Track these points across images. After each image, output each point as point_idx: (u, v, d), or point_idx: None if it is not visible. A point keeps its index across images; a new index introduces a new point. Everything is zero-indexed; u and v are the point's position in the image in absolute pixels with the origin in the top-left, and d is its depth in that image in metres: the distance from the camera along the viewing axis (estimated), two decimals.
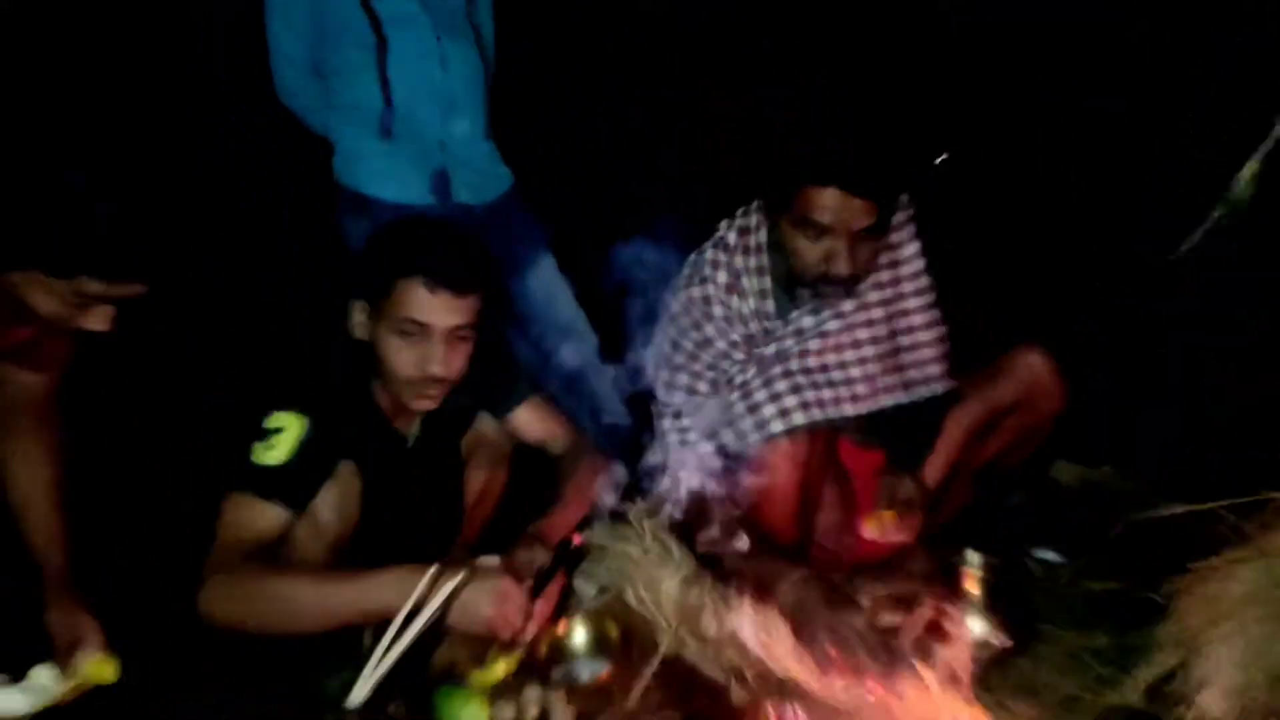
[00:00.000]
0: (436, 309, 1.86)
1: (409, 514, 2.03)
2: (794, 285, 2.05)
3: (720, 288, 2.07)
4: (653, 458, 2.18)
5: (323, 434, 1.85)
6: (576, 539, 1.96)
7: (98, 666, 1.80)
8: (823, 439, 2.05)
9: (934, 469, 2.16)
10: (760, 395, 1.98)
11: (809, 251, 1.92)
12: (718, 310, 2.08)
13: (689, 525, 2.06)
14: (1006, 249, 2.91)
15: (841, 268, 1.92)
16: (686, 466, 2.06)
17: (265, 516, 1.79)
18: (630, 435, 2.94)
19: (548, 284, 2.81)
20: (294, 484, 1.82)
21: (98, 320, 1.51)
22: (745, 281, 2.06)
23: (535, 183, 2.86)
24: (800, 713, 1.49)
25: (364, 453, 1.95)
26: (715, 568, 2.01)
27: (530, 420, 2.25)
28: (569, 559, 1.87)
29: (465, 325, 1.91)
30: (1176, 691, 1.42)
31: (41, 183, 1.36)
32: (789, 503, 2.04)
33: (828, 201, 1.85)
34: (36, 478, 1.88)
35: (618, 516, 2.34)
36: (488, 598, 1.73)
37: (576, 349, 2.85)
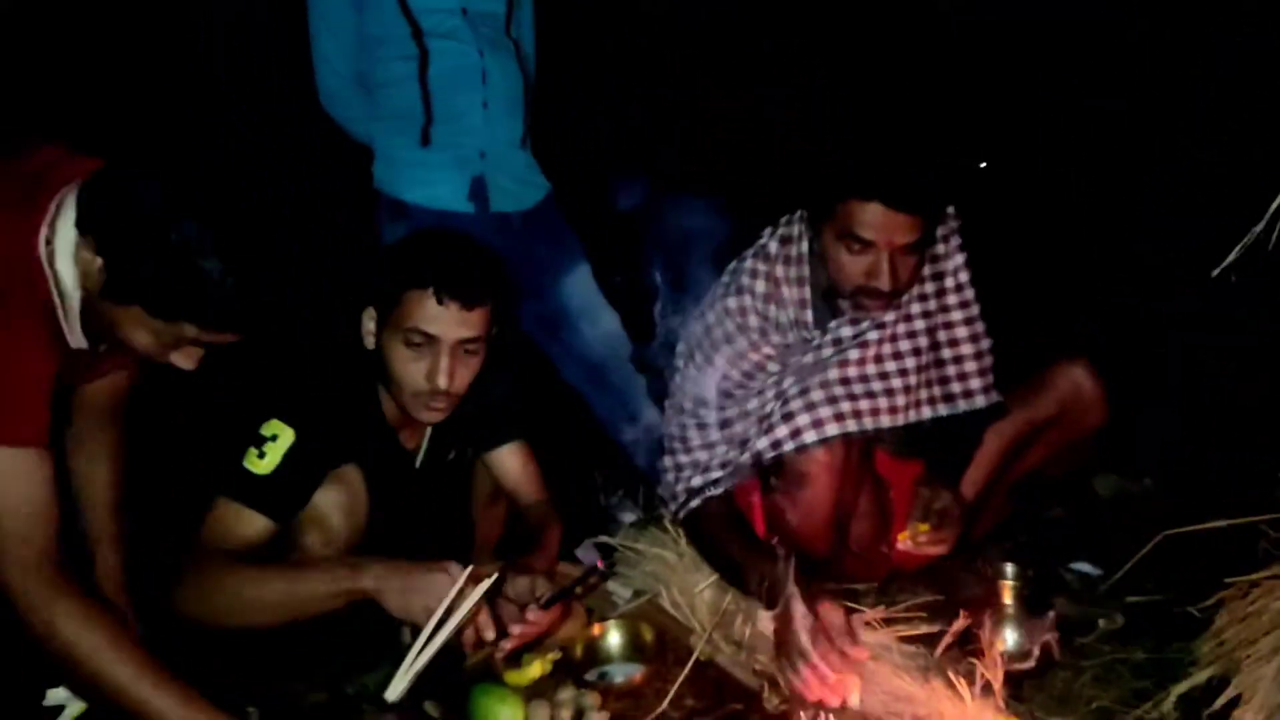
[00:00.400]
0: (444, 320, 1.84)
1: (416, 528, 2.03)
2: (833, 296, 2.05)
3: (759, 297, 2.08)
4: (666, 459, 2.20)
5: (319, 443, 1.85)
6: (599, 563, 1.96)
7: None
8: (859, 448, 2.04)
9: (972, 482, 2.15)
10: (796, 404, 1.98)
11: (851, 265, 1.93)
12: (754, 321, 2.08)
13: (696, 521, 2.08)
14: (1051, 261, 2.90)
15: (883, 283, 1.91)
16: (701, 469, 2.08)
17: (249, 524, 1.78)
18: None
19: (584, 291, 2.84)
20: (280, 495, 1.82)
21: (187, 360, 1.53)
22: (785, 291, 2.07)
23: (571, 193, 2.89)
24: (832, 719, 1.50)
25: (369, 461, 1.95)
26: None
27: (513, 463, 2.21)
28: (588, 584, 1.86)
29: (474, 339, 1.88)
30: (1212, 708, 1.41)
31: (155, 228, 1.37)
32: (823, 513, 2.04)
33: (871, 217, 1.84)
34: (101, 477, 1.93)
35: (653, 521, 2.37)
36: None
37: (614, 356, 2.87)
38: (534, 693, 1.89)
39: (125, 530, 1.96)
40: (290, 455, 1.81)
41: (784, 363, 2.07)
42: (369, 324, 1.93)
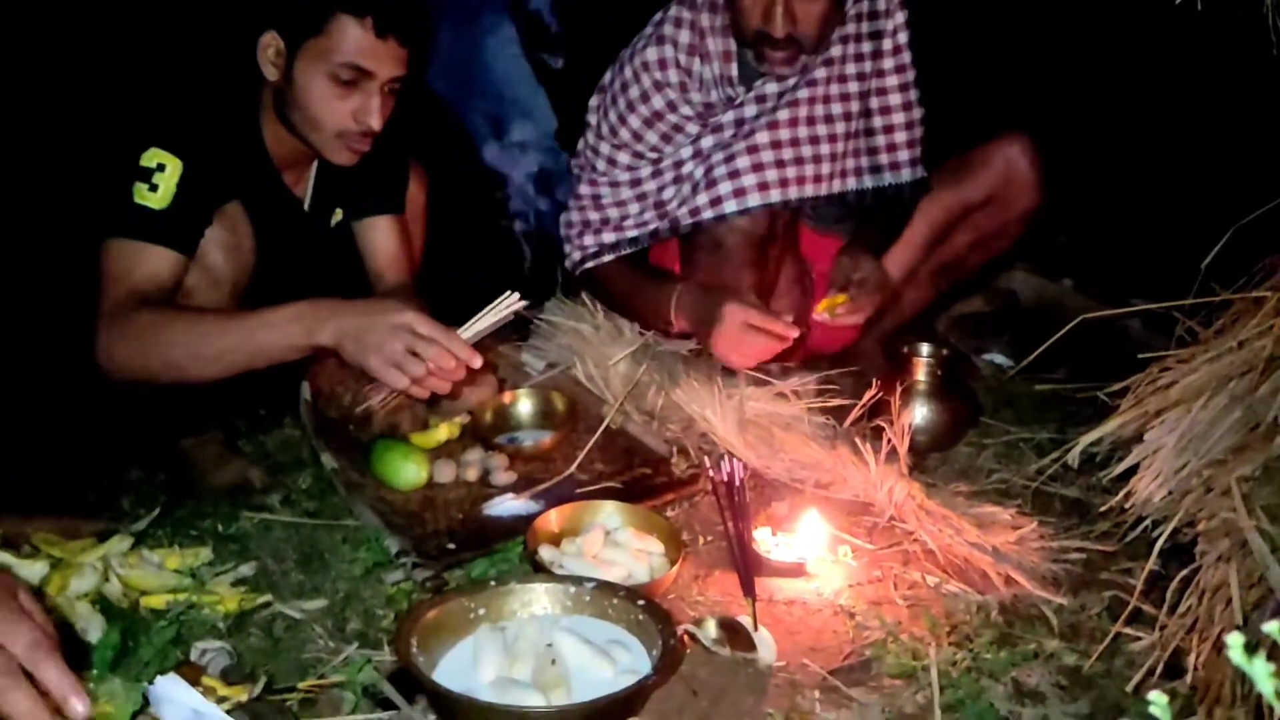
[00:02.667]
0: (382, 56, 1.67)
1: (311, 278, 1.87)
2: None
3: (681, 48, 1.91)
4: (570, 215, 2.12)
5: (205, 174, 1.68)
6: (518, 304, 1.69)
7: None
8: (783, 221, 1.97)
9: (897, 263, 2.10)
10: (719, 170, 1.88)
11: (749, 6, 1.78)
12: (674, 76, 1.92)
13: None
14: (994, 32, 2.78)
15: (775, 27, 1.76)
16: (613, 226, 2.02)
17: (154, 260, 1.63)
18: None
19: (505, 51, 2.65)
20: (179, 225, 1.66)
21: None
22: (710, 42, 1.91)
23: None
24: (740, 464, 1.49)
25: (252, 198, 1.79)
26: None
27: (385, 239, 2.02)
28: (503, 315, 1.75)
29: (400, 79, 1.72)
30: (1111, 480, 1.42)
31: None
32: (742, 287, 1.98)
33: None
34: None
35: (571, 294, 2.30)
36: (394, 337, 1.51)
37: (534, 127, 2.73)
38: (441, 454, 1.86)
39: None
40: (182, 184, 1.65)
41: (704, 123, 1.94)
42: (271, 51, 1.71)
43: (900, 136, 1.97)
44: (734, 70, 1.93)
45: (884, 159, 1.98)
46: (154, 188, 1.64)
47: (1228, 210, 1.44)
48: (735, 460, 1.49)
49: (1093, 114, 2.95)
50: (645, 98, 1.94)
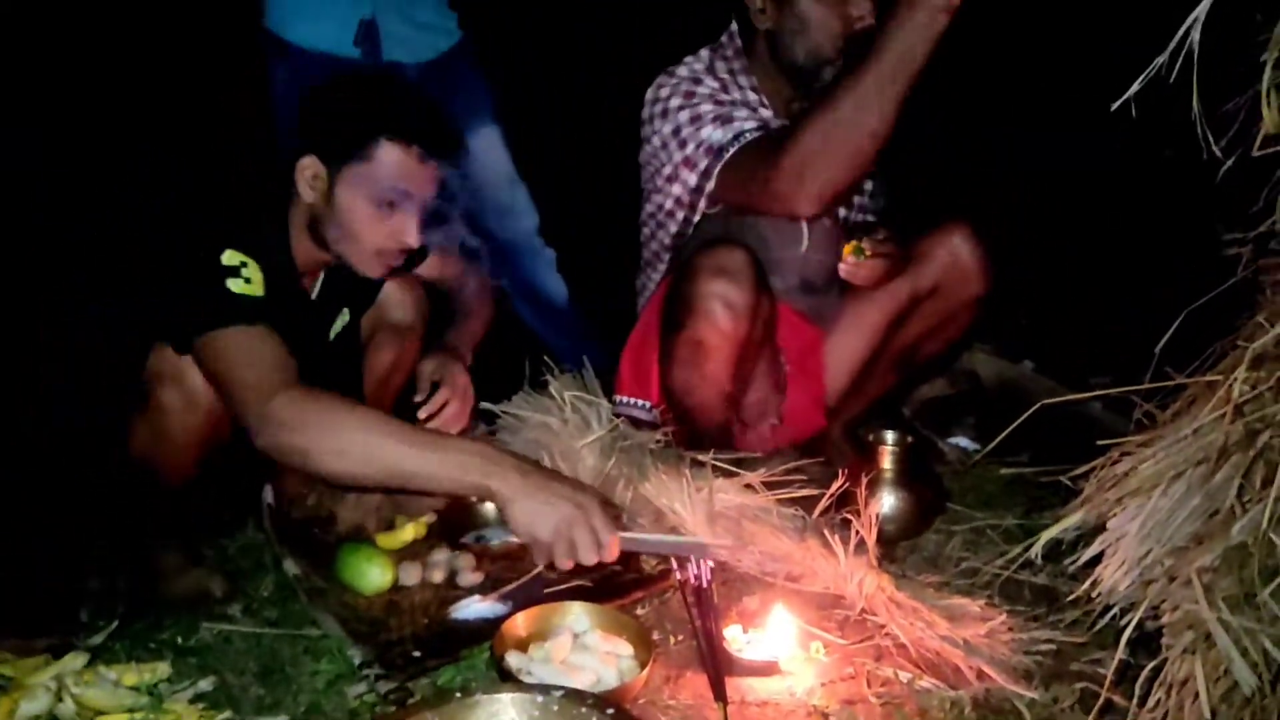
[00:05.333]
0: (423, 179, 1.72)
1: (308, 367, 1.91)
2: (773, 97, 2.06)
3: (713, 91, 2.03)
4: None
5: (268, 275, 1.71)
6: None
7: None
8: (764, 319, 1.99)
9: (853, 353, 2.15)
10: None
11: (828, 18, 1.96)
12: (724, 98, 2.04)
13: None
14: (942, 119, 2.87)
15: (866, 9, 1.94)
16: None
17: (273, 342, 1.60)
18: (567, 314, 2.87)
19: (488, 155, 2.67)
20: (273, 313, 1.66)
21: None
22: (734, 92, 2.05)
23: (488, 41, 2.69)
24: (708, 569, 1.48)
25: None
26: None
27: (430, 263, 2.13)
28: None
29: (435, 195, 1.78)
30: (1077, 559, 1.43)
31: None
32: (720, 386, 2.00)
33: None
34: None
35: (539, 388, 2.30)
36: None
37: (514, 226, 2.75)
38: (407, 555, 1.83)
39: None
40: (267, 279, 1.67)
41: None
42: (309, 174, 1.73)
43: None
44: (764, 115, 2.04)
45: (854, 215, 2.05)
46: (248, 280, 1.65)
47: (1182, 291, 1.47)
48: (703, 561, 1.48)
49: (1049, 199, 3.04)
50: (704, 84, 2.05)
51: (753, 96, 2.07)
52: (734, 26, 2.13)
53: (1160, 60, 1.01)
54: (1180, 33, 1.00)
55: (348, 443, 1.50)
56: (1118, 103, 1.08)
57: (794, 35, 2.01)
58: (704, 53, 2.10)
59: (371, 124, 1.70)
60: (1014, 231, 2.30)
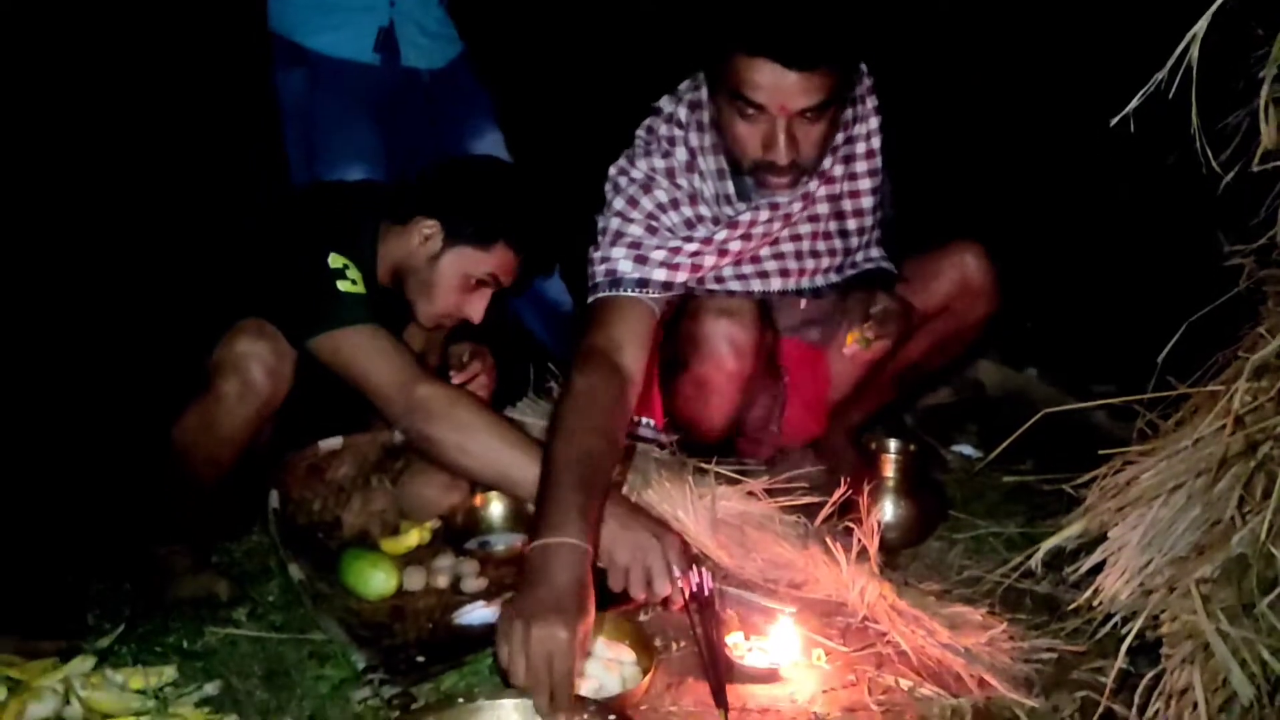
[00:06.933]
0: (512, 273, 1.99)
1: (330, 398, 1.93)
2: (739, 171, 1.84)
3: (681, 166, 1.87)
4: None
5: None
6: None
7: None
8: (769, 347, 1.99)
9: (858, 368, 2.15)
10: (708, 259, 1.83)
11: (746, 134, 1.70)
12: (682, 183, 1.86)
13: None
14: (951, 136, 2.88)
15: (779, 155, 1.69)
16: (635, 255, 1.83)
17: (391, 338, 1.78)
18: (572, 322, 2.89)
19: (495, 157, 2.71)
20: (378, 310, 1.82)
21: None
22: (702, 161, 1.86)
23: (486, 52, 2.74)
24: (711, 580, 1.48)
25: None
26: None
27: None
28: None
29: None
30: (1077, 569, 1.44)
31: None
32: (724, 416, 2.00)
33: (761, 77, 1.61)
34: None
35: (543, 395, 2.32)
36: None
37: None
38: (411, 561, 1.84)
39: None
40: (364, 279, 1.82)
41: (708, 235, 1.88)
42: (424, 234, 1.91)
43: (871, 234, 1.97)
44: (731, 189, 1.87)
45: (859, 256, 1.98)
46: (353, 281, 1.79)
47: (1185, 302, 1.47)
48: (704, 570, 1.48)
49: (1056, 206, 3.04)
50: (660, 188, 1.86)
51: (725, 165, 1.87)
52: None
53: (1159, 76, 1.02)
54: (1180, 49, 1.01)
55: (473, 443, 1.70)
56: (1116, 118, 1.08)
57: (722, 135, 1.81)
58: (682, 112, 1.88)
59: (502, 225, 1.91)
60: (1019, 240, 2.29)
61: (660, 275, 1.79)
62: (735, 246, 1.83)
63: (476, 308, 1.96)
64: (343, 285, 1.77)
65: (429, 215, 1.90)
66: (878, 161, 1.91)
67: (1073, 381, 2.52)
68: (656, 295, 1.78)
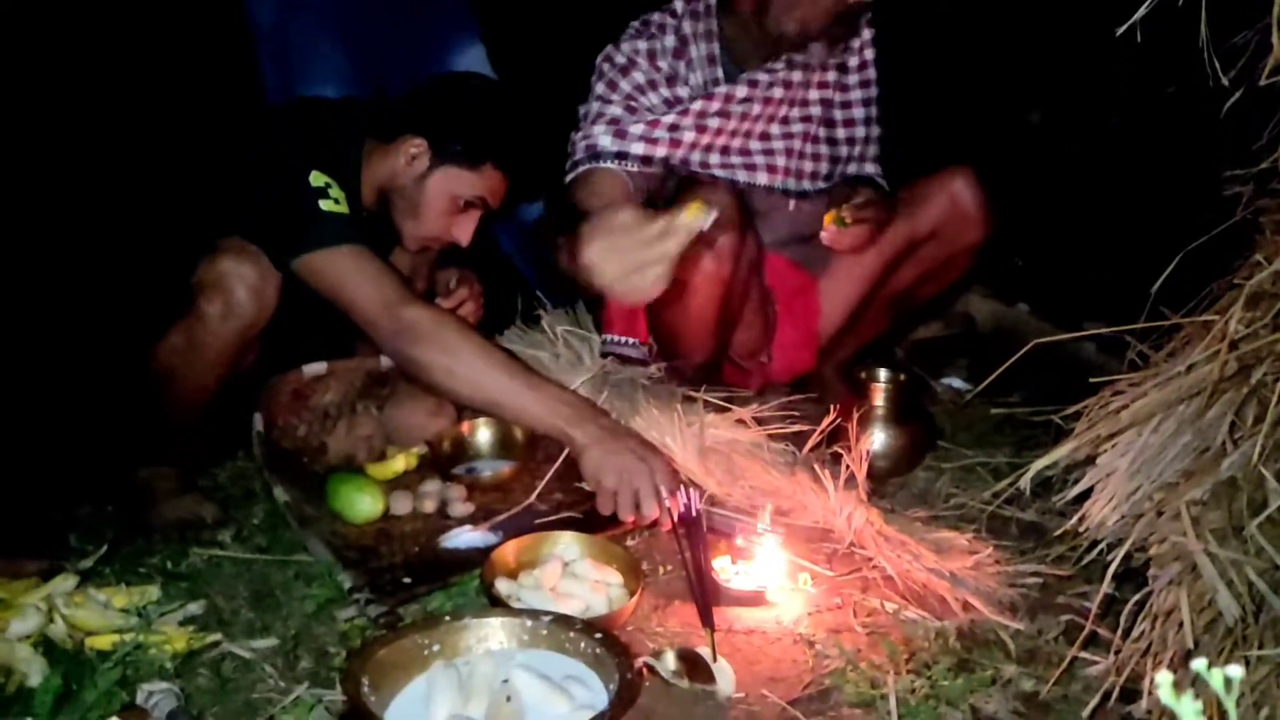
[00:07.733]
0: (500, 194, 1.91)
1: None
2: (744, 53, 1.93)
3: (668, 51, 1.95)
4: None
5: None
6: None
7: None
8: (749, 259, 1.97)
9: (847, 298, 2.13)
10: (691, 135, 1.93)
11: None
12: (663, 65, 1.95)
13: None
14: (951, 67, 2.83)
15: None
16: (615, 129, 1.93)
17: (376, 258, 1.72)
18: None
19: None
20: (361, 227, 1.77)
21: None
22: (693, 49, 1.94)
23: None
24: (698, 499, 1.48)
25: None
26: None
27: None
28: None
29: None
30: (1066, 503, 1.43)
31: None
32: (707, 321, 1.98)
33: None
34: None
35: (532, 323, 2.29)
36: None
37: None
38: (398, 486, 1.84)
39: None
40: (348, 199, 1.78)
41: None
42: (412, 154, 1.85)
43: (861, 146, 1.99)
44: (720, 73, 1.96)
45: (850, 168, 1.99)
46: (335, 200, 1.73)
47: (1179, 233, 1.46)
48: (691, 490, 1.48)
49: (1047, 138, 3.00)
50: (643, 72, 1.96)
51: (717, 52, 1.97)
52: None
53: None
54: None
55: (460, 365, 1.66)
56: (1123, 28, 1.05)
57: (786, 6, 1.89)
58: (679, 3, 1.99)
59: (492, 145, 1.85)
60: (1012, 172, 2.26)
61: (639, 149, 1.88)
62: (714, 123, 1.89)
63: (465, 230, 1.91)
64: (325, 204, 1.71)
65: (416, 133, 1.84)
66: (870, 73, 1.96)
67: (1064, 317, 2.51)
68: (634, 170, 1.85)
